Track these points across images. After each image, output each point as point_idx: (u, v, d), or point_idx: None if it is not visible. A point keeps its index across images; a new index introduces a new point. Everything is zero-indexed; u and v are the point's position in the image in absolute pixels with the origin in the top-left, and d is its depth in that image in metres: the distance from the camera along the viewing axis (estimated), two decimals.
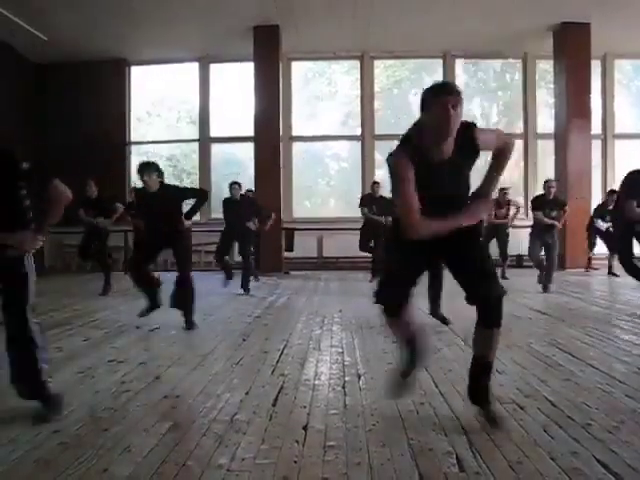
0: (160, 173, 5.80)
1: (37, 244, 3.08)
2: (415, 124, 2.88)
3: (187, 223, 5.91)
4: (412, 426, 2.86)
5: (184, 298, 5.80)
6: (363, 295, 8.26)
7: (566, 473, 2.29)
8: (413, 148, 2.76)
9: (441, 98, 2.66)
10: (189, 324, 5.67)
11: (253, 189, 11.23)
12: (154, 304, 5.89)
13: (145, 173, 5.66)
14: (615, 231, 7.61)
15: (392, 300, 3.01)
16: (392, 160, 2.77)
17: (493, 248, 10.20)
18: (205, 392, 3.49)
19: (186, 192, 6.34)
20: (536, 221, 8.38)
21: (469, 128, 2.78)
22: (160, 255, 6.61)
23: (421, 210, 2.71)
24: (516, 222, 10.77)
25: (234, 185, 8.94)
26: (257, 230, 9.36)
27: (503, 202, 10.35)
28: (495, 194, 10.16)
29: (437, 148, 2.74)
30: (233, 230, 8.63)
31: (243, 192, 9.49)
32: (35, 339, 3.02)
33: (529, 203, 9.68)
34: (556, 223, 8.26)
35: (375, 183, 10.34)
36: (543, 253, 8.45)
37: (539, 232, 8.33)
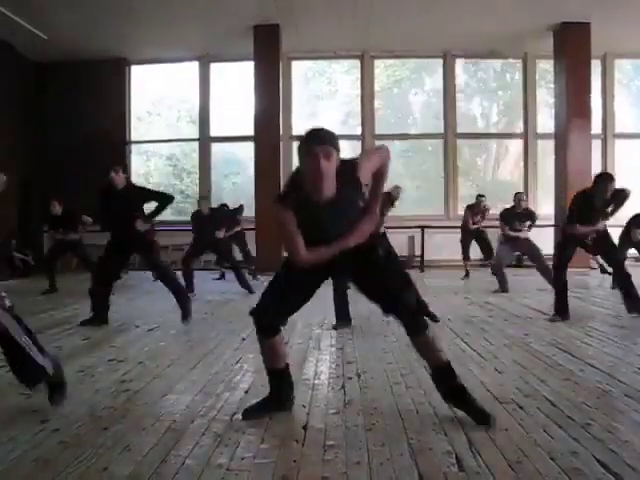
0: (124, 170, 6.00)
1: None
2: (297, 170, 2.88)
3: (144, 226, 5.87)
4: (412, 425, 2.86)
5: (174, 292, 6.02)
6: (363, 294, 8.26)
7: (566, 473, 2.29)
8: (297, 194, 2.79)
9: (311, 149, 2.69)
10: (184, 314, 5.89)
11: (227, 205, 11.16)
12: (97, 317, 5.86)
13: (112, 169, 5.79)
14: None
15: (271, 320, 3.01)
16: (276, 211, 2.80)
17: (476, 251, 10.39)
18: (205, 391, 3.49)
19: (151, 194, 6.28)
20: (503, 234, 8.40)
21: (349, 165, 2.84)
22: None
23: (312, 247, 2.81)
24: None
25: (202, 200, 9.45)
26: (225, 237, 9.33)
27: (479, 209, 10.43)
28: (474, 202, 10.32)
29: (318, 192, 2.74)
30: (202, 242, 8.76)
31: (215, 206, 10.05)
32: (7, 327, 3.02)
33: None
34: (520, 235, 8.24)
35: None
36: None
37: (507, 244, 8.35)
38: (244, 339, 5.13)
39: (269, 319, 2.99)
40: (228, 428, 2.85)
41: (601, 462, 2.38)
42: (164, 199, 6.11)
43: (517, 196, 8.51)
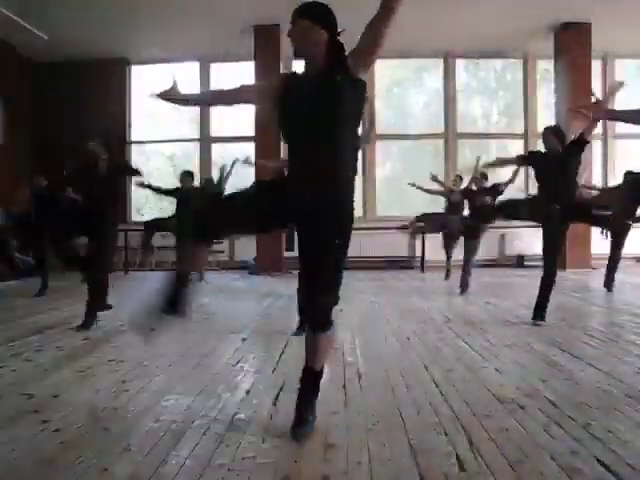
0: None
1: None
2: None
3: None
4: (412, 426, 2.86)
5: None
6: (364, 294, 8.27)
7: (566, 473, 2.29)
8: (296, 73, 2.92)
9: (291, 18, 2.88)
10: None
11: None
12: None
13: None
14: None
15: (211, 220, 2.71)
16: None
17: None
18: (205, 391, 3.49)
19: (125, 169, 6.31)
20: None
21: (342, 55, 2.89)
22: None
23: None
24: (517, 222, 10.76)
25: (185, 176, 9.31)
26: None
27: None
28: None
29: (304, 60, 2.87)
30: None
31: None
32: None
33: None
34: None
35: None
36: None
37: None
38: (244, 339, 5.14)
39: (208, 222, 2.69)
40: (229, 428, 2.85)
41: (602, 462, 2.38)
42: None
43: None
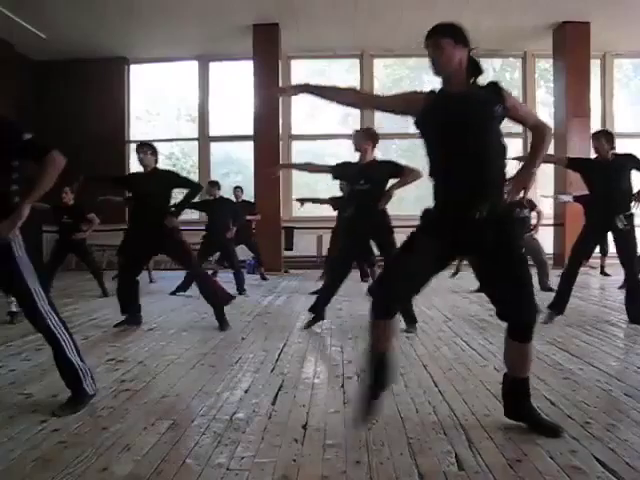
0: (154, 152, 5.91)
1: (17, 225, 2.98)
2: None
3: (174, 222, 5.69)
4: (411, 425, 2.86)
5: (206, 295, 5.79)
6: (362, 294, 8.26)
7: (565, 471, 2.30)
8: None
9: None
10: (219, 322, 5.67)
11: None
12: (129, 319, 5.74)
13: (141, 150, 5.79)
14: None
15: (389, 297, 2.74)
16: None
17: None
18: (204, 391, 3.49)
19: (179, 179, 6.14)
20: None
21: (494, 84, 2.90)
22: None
23: None
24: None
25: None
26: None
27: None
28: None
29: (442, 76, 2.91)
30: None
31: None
32: (54, 330, 3.11)
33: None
34: None
35: None
36: None
37: None
38: (243, 338, 5.14)
39: (390, 298, 2.75)
40: (228, 427, 2.85)
41: (600, 461, 2.38)
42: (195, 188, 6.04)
43: None
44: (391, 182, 5.50)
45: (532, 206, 8.55)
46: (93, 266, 8.51)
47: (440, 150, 2.82)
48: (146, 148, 5.80)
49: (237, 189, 10.78)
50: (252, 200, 11.42)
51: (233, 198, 10.07)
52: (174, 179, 5.99)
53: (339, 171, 5.74)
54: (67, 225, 8.15)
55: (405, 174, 5.50)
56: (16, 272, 3.03)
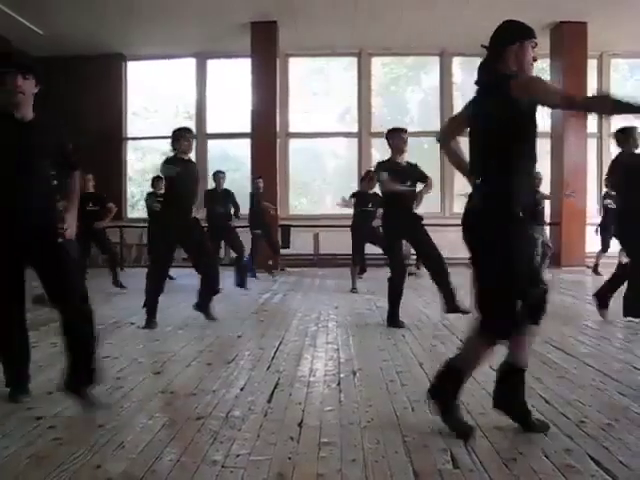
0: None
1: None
2: None
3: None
4: (407, 423, 2.86)
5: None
6: (359, 292, 8.27)
7: (559, 470, 2.30)
8: None
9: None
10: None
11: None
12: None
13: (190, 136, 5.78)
14: None
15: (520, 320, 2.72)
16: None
17: None
18: (200, 388, 3.49)
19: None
20: None
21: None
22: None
23: None
24: None
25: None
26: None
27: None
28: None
29: None
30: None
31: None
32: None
33: None
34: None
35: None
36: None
37: None
38: (239, 336, 5.14)
39: (518, 319, 2.71)
40: (223, 425, 2.85)
41: (595, 459, 2.39)
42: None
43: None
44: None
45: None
46: (114, 254, 8.67)
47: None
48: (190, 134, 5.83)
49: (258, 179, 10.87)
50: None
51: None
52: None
53: (382, 170, 5.75)
54: (92, 213, 8.05)
55: (428, 182, 5.77)
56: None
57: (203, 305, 5.79)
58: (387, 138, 5.78)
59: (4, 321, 3.22)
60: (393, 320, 5.52)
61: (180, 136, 5.71)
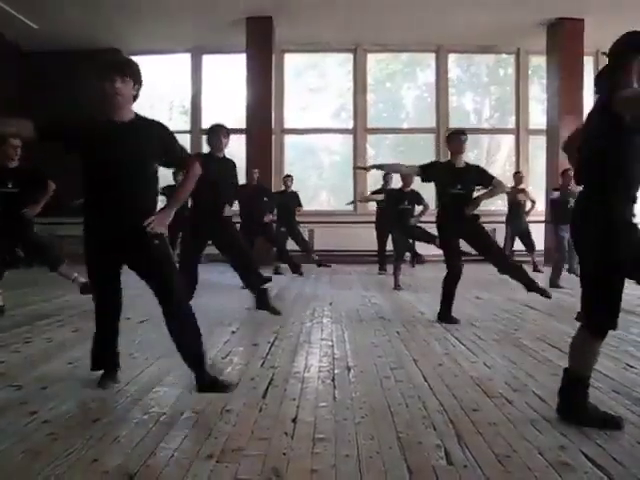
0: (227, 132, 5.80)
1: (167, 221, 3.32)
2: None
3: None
4: (401, 419, 2.87)
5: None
6: (353, 288, 8.28)
7: (553, 467, 2.31)
8: None
9: None
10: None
11: None
12: None
13: (221, 133, 5.71)
14: None
15: (615, 317, 2.78)
16: None
17: None
18: (194, 384, 3.48)
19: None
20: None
21: None
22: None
23: None
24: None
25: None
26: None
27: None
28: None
29: None
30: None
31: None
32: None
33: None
34: None
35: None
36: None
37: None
38: (234, 332, 5.14)
39: (614, 317, 2.77)
40: (218, 420, 2.85)
41: (589, 457, 2.40)
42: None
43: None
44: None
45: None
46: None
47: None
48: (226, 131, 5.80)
49: (287, 178, 11.10)
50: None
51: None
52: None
53: (431, 174, 5.76)
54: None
55: (494, 185, 5.67)
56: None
57: (260, 302, 5.75)
58: (447, 142, 5.80)
59: (105, 308, 3.58)
60: (445, 316, 5.56)
61: (212, 133, 5.69)
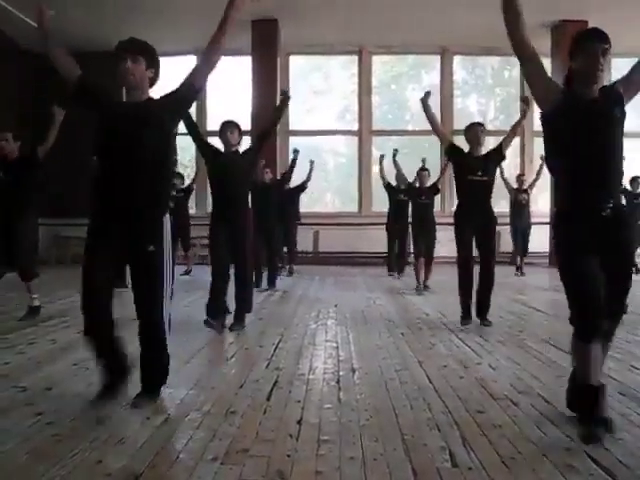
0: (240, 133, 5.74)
1: None
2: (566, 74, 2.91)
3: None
4: (406, 421, 2.86)
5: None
6: (358, 290, 8.28)
7: (558, 469, 2.30)
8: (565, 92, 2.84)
9: (591, 44, 2.75)
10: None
11: None
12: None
13: (228, 129, 5.65)
14: None
15: (595, 316, 2.64)
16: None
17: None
18: (199, 385, 3.49)
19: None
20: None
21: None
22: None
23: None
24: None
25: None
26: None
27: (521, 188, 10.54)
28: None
29: (589, 86, 2.79)
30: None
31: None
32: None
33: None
34: None
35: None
36: None
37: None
38: (239, 333, 5.14)
39: (594, 316, 2.64)
40: (222, 422, 2.85)
41: (594, 459, 2.39)
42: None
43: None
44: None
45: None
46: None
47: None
48: (234, 126, 5.76)
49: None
50: None
51: None
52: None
53: (455, 154, 5.76)
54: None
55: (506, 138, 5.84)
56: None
57: (235, 317, 5.40)
58: (465, 134, 5.77)
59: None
60: (462, 314, 5.51)
61: (220, 130, 5.75)
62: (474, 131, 5.65)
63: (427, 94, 5.82)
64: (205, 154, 5.59)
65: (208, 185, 5.65)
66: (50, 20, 3.29)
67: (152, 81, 3.26)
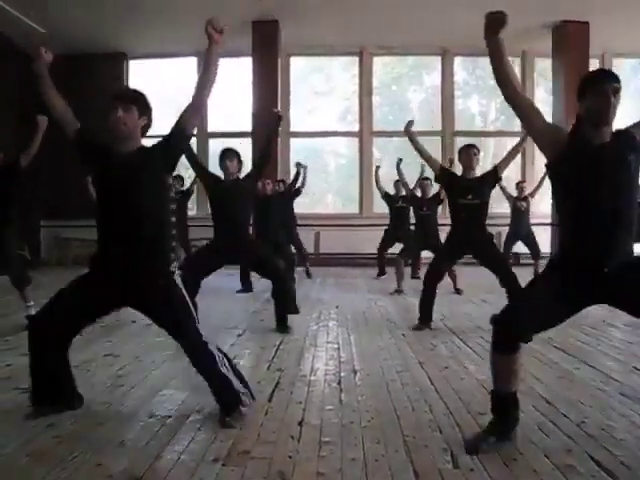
0: (240, 161, 5.61)
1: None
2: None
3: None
4: (407, 422, 2.86)
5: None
6: (359, 291, 8.28)
7: (560, 470, 2.30)
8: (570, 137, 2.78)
9: (603, 86, 2.75)
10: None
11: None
12: None
13: (227, 157, 5.51)
14: None
15: (518, 328, 2.56)
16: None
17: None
18: (200, 387, 3.46)
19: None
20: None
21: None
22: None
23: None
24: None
25: None
26: None
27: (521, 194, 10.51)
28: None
29: (600, 128, 2.74)
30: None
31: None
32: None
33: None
34: None
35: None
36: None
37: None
38: (240, 335, 5.14)
39: (520, 330, 2.56)
40: (224, 424, 2.85)
41: (595, 460, 2.39)
42: None
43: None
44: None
45: None
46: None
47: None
48: (233, 155, 5.59)
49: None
50: None
51: None
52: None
53: (446, 178, 5.83)
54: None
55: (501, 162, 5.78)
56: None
57: (278, 320, 5.44)
58: (458, 156, 5.79)
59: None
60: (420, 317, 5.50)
61: (220, 158, 5.61)
62: (467, 154, 5.62)
63: (409, 123, 5.88)
64: (205, 182, 5.58)
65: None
66: (48, 64, 3.23)
67: (145, 129, 3.22)
